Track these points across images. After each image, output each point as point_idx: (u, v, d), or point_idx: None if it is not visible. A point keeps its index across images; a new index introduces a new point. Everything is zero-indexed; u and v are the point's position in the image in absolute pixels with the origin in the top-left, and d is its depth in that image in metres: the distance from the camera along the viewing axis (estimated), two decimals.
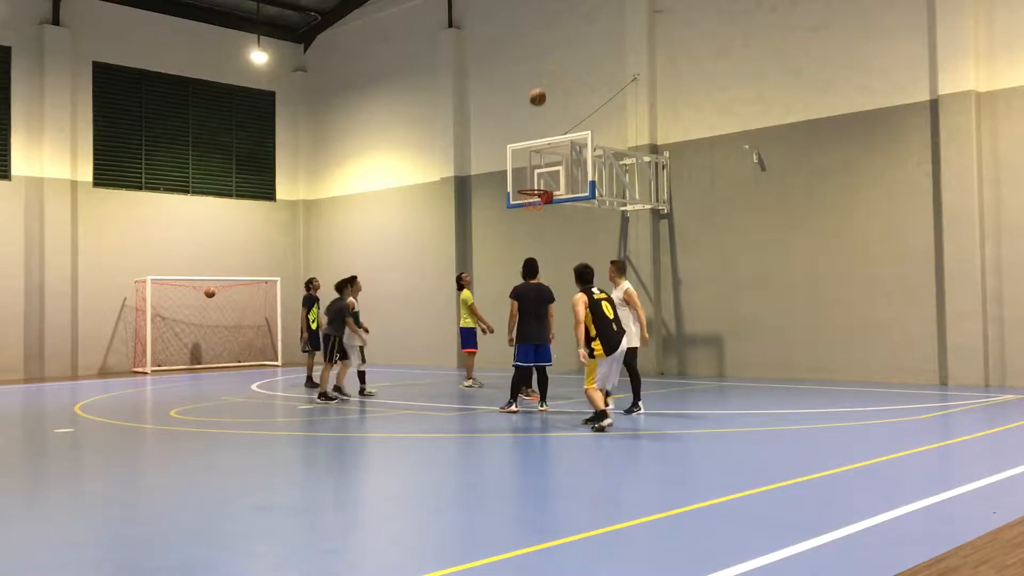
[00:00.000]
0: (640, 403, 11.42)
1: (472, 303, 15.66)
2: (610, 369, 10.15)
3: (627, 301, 11.27)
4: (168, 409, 13.35)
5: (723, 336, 16.97)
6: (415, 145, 22.84)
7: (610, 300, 10.45)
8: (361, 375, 14.45)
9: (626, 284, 11.55)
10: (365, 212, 24.20)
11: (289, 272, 25.25)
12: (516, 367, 11.88)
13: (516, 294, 11.95)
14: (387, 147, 23.64)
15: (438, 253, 21.91)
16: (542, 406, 11.94)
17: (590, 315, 10.08)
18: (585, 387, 10.18)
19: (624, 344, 10.26)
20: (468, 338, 15.75)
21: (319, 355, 16.03)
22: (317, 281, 16.92)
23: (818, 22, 15.94)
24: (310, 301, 16.36)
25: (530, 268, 12.22)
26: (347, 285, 14.17)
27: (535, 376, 12.28)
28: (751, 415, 11.30)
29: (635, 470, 8.17)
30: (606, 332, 10.06)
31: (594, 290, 10.37)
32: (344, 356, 13.85)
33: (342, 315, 13.74)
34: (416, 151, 22.82)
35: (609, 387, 10.29)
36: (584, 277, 10.55)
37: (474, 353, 15.79)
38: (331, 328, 13.82)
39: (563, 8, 19.65)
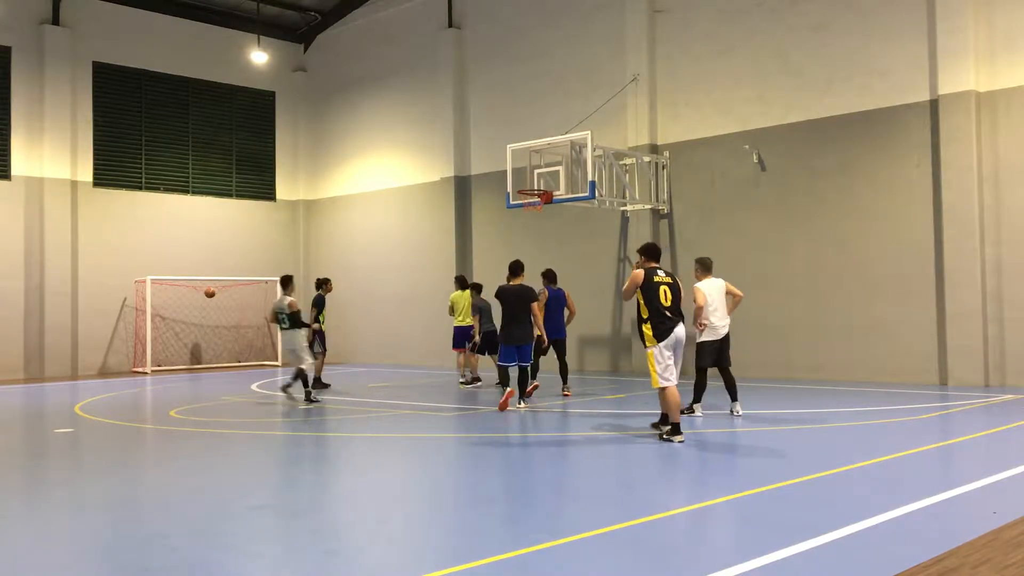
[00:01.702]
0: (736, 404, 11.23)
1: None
2: (673, 358, 9.29)
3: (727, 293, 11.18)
4: (168, 409, 13.35)
5: None
6: (415, 145, 22.84)
7: (673, 287, 9.41)
8: (303, 376, 13.83)
9: (716, 281, 11.34)
10: (365, 212, 24.20)
11: (289, 272, 25.20)
12: (498, 366, 12.33)
13: (497, 295, 12.17)
14: (387, 147, 23.64)
15: (438, 253, 21.90)
16: (520, 403, 12.17)
17: (642, 295, 9.24)
18: (654, 386, 9.28)
19: (683, 333, 9.40)
20: (464, 336, 15.89)
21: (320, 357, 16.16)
22: (331, 284, 16.77)
23: (818, 22, 15.94)
24: (321, 301, 16.27)
25: (511, 269, 12.39)
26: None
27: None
28: (751, 415, 11.29)
29: (634, 470, 8.16)
30: (658, 317, 9.18)
31: (659, 271, 9.42)
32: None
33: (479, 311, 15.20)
34: (416, 151, 22.82)
35: (674, 381, 9.29)
36: (647, 252, 9.66)
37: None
38: (488, 323, 15.16)
39: (563, 8, 19.65)
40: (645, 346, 9.33)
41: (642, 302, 9.26)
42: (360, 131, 24.32)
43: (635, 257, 17.82)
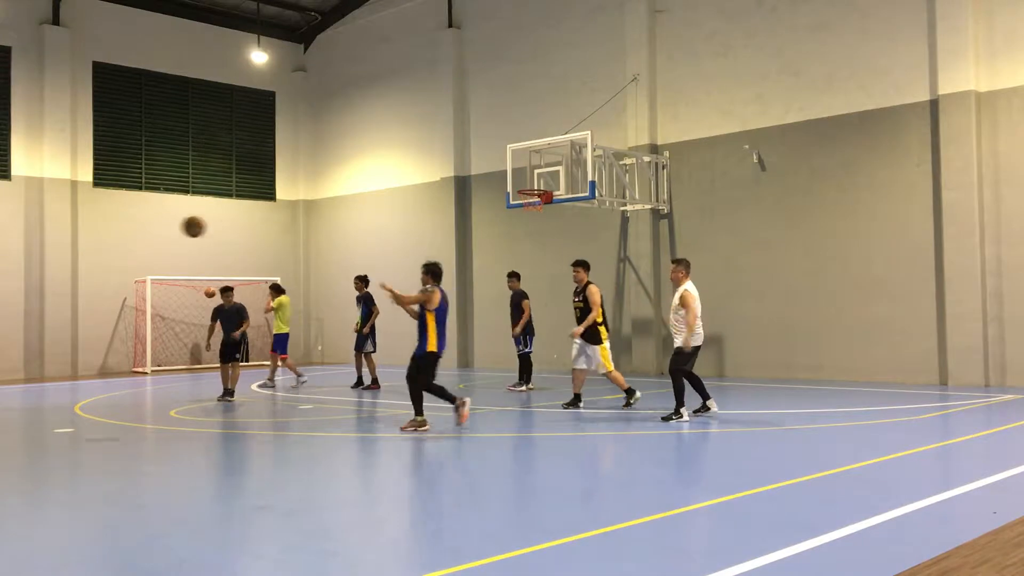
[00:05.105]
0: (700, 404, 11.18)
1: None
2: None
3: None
4: (168, 409, 13.35)
5: (723, 336, 16.95)
6: (415, 145, 22.83)
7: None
8: None
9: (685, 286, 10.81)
10: (365, 212, 24.20)
11: (289, 272, 25.24)
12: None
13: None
14: (387, 147, 23.64)
15: (438, 253, 21.81)
16: (524, 386, 14.79)
17: (601, 306, 11.99)
18: (609, 369, 11.85)
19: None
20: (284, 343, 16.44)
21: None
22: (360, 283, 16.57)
23: (818, 22, 15.93)
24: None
25: (514, 276, 15.38)
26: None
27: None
28: (750, 415, 11.29)
29: (632, 470, 8.16)
30: (605, 321, 12.15)
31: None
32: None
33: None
34: (416, 151, 22.82)
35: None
36: (588, 267, 12.48)
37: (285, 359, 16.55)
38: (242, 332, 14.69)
39: (563, 8, 19.64)
40: (600, 343, 11.79)
41: (601, 310, 11.90)
42: (360, 131, 24.32)
43: (634, 258, 17.96)
